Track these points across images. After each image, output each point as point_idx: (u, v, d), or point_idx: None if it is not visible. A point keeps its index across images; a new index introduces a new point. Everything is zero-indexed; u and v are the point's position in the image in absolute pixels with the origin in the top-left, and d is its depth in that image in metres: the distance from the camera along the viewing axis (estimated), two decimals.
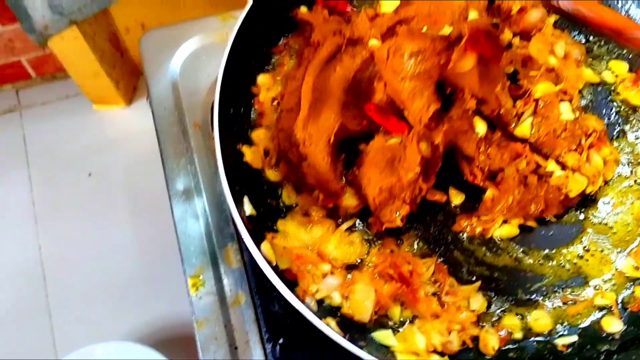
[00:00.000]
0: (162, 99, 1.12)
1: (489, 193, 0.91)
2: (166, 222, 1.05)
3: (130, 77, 2.08)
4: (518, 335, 0.85)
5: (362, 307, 0.84)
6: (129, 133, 2.05)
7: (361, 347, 0.75)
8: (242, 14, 0.92)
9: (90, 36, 1.73)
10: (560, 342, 0.84)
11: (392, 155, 0.87)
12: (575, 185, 0.90)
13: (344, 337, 0.74)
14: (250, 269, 0.95)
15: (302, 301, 0.78)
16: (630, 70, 1.05)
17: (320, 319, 0.74)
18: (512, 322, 0.85)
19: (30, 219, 1.94)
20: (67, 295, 1.81)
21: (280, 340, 0.89)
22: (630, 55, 1.06)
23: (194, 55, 1.16)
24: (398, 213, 0.88)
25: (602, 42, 1.08)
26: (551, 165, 0.91)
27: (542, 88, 0.94)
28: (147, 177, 1.85)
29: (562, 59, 0.99)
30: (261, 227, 0.87)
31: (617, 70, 1.05)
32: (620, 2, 1.09)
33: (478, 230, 0.91)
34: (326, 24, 0.99)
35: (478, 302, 0.86)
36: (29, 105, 2.18)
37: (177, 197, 1.04)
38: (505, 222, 0.92)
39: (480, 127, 0.91)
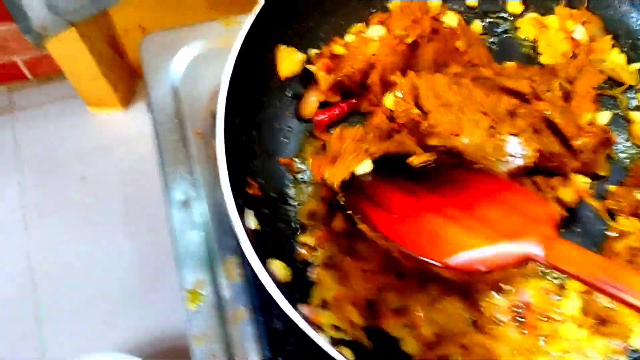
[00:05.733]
0: (162, 105, 1.10)
1: None
2: (161, 230, 1.02)
3: (128, 80, 2.05)
4: None
5: None
6: (125, 137, 2.01)
7: None
8: (250, 18, 0.88)
9: (88, 38, 1.70)
10: None
11: None
12: None
13: None
14: (253, 283, 0.92)
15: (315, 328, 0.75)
16: None
17: (335, 347, 0.71)
18: None
19: (20, 225, 1.90)
20: (58, 304, 1.77)
21: (280, 359, 0.86)
22: None
23: (196, 61, 1.13)
24: None
25: None
26: None
27: None
28: (143, 183, 1.82)
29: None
30: (265, 242, 0.84)
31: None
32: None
33: None
34: None
35: None
36: (22, 107, 2.14)
37: (176, 206, 1.00)
38: None
39: None
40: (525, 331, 0.85)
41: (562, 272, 0.61)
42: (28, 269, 1.82)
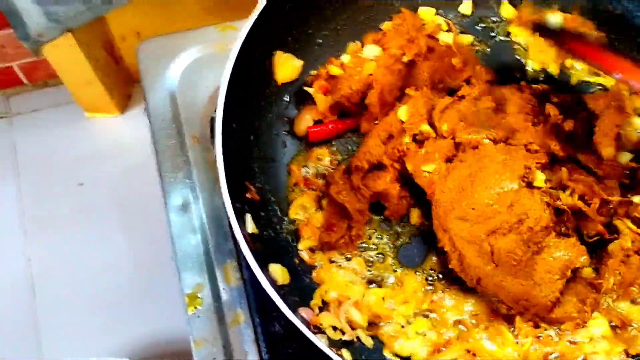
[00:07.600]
0: (160, 111, 1.10)
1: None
2: (160, 235, 1.03)
3: (124, 86, 2.05)
4: None
5: None
6: (122, 142, 2.02)
7: None
8: (248, 23, 0.89)
9: (85, 44, 1.71)
10: None
11: None
12: None
13: None
14: (251, 287, 0.92)
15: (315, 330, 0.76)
16: None
17: (333, 349, 0.72)
18: None
19: (20, 230, 1.90)
20: (57, 310, 1.77)
21: None
22: None
23: (192, 66, 1.14)
24: None
25: None
26: None
27: None
28: (140, 187, 1.82)
29: None
30: (264, 245, 0.85)
31: None
32: None
33: None
34: None
35: None
36: (19, 113, 2.14)
37: (175, 211, 1.01)
38: None
39: None
40: None
41: None
42: (27, 273, 1.82)
